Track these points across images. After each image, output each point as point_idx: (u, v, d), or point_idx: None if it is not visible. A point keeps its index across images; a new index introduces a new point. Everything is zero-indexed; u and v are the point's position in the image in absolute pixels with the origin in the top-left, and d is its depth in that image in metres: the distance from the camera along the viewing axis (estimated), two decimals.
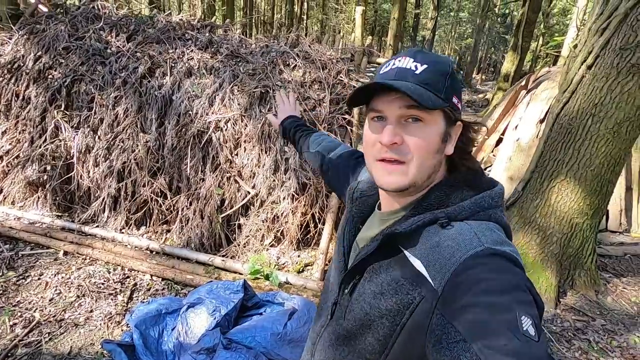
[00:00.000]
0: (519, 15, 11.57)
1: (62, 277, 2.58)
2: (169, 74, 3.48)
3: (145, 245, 2.97)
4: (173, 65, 3.56)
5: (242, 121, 3.23)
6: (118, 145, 3.29)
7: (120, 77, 3.48)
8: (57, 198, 3.42)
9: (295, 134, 1.28)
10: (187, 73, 3.52)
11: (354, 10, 4.08)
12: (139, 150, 3.25)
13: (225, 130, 3.23)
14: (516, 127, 4.44)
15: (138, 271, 2.70)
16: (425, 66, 0.62)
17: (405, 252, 0.63)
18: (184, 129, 3.26)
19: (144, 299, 2.45)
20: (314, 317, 0.89)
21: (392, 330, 0.61)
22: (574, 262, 2.67)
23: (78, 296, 2.42)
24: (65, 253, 2.86)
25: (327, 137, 1.21)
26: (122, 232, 3.15)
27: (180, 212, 3.12)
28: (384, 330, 0.62)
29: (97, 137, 3.37)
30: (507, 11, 25.91)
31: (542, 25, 15.98)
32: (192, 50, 3.71)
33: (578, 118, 2.41)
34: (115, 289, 2.52)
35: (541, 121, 4.12)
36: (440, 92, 0.61)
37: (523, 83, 4.83)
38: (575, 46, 2.55)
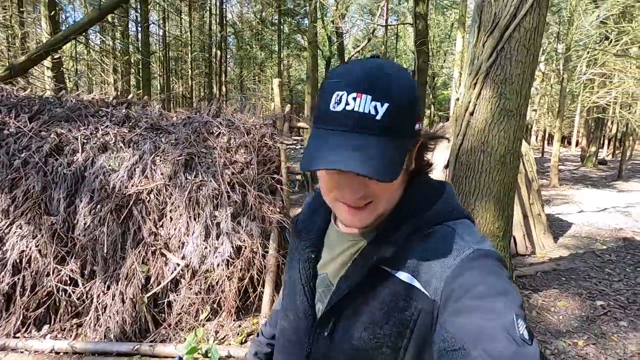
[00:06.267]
0: None
1: None
2: (80, 150, 3.27)
3: (49, 347, 2.46)
4: (85, 141, 3.36)
5: (166, 190, 3.09)
6: (15, 232, 2.85)
7: (19, 158, 3.15)
8: None
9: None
10: (102, 148, 3.35)
11: (272, 82, 4.44)
12: (42, 235, 2.85)
13: (148, 201, 3.05)
14: None
15: None
16: (386, 105, 0.51)
17: (391, 270, 0.58)
18: (98, 206, 2.99)
19: None
20: None
21: (395, 358, 0.56)
22: None
23: None
24: None
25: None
26: (17, 337, 2.59)
27: (95, 300, 2.71)
28: None
29: None
30: None
31: (431, 96, 19.22)
32: (107, 126, 3.57)
33: (473, 155, 2.83)
34: None
35: (445, 167, 4.70)
36: (405, 130, 0.54)
37: None
38: (458, 99, 3.09)
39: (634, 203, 7.97)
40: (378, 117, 0.51)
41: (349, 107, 0.52)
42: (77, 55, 15.91)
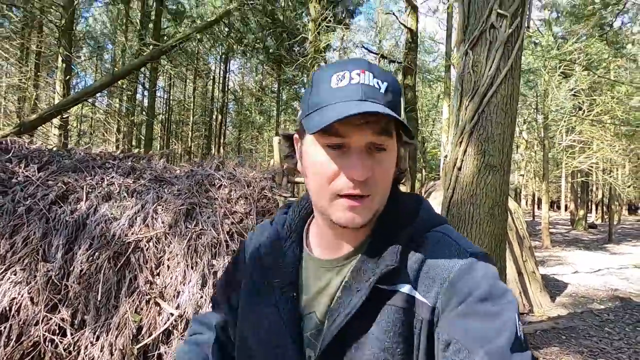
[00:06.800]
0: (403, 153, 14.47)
1: None
2: (84, 199, 3.36)
3: None
4: (90, 190, 3.48)
5: (166, 239, 3.14)
6: (9, 278, 2.82)
7: (24, 205, 3.23)
8: None
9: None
10: (106, 197, 3.45)
11: (272, 140, 4.71)
12: (35, 282, 2.81)
13: (147, 249, 3.07)
14: None
15: None
16: (386, 84, 0.54)
17: (389, 287, 0.55)
18: (97, 253, 3.00)
19: None
20: None
21: None
22: None
23: None
24: None
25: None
26: None
27: (82, 351, 2.60)
28: None
29: None
30: None
31: (421, 160, 20.12)
32: (112, 177, 3.72)
33: (462, 207, 2.98)
34: None
35: None
36: (400, 113, 0.56)
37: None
38: (446, 156, 3.33)
39: (627, 265, 8.01)
40: (382, 91, 0.53)
41: (354, 81, 0.53)
42: (82, 117, 16.65)
